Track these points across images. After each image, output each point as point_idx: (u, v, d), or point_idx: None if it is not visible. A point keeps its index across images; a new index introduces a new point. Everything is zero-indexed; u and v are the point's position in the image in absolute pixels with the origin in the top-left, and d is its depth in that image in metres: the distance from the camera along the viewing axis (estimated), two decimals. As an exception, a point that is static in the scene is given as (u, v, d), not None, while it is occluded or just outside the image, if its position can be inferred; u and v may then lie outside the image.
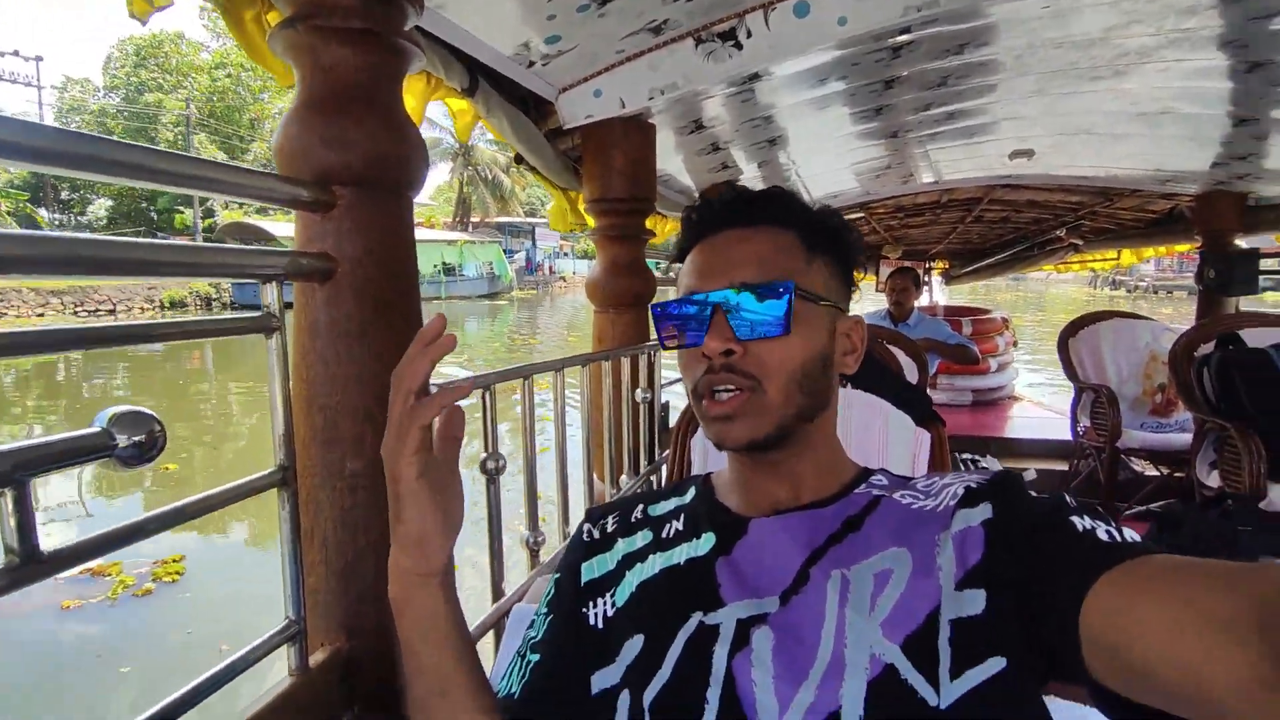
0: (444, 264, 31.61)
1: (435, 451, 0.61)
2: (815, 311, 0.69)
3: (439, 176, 43.56)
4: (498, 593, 1.25)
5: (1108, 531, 0.54)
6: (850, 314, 0.76)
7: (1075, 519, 0.56)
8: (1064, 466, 3.99)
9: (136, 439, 0.66)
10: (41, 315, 21.76)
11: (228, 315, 0.83)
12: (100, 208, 30.72)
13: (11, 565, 0.59)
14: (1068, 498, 0.60)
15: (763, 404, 0.67)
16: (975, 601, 0.56)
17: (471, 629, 1.12)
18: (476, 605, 0.81)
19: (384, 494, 0.98)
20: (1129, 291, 39.79)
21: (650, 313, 0.74)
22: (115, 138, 0.70)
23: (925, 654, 0.55)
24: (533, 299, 33.91)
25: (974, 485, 0.64)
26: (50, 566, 0.61)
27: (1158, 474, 3.59)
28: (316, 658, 0.95)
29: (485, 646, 1.13)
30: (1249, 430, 2.54)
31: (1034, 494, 0.62)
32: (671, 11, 1.71)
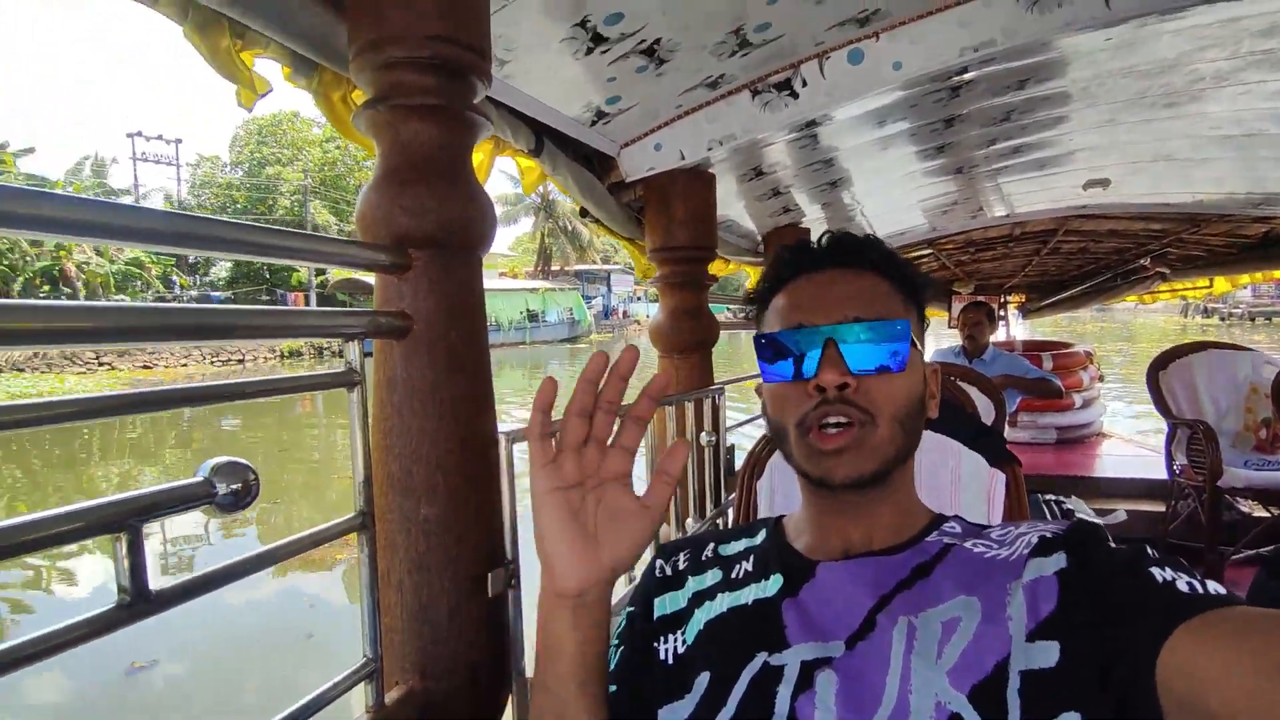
0: (529, 311, 33.91)
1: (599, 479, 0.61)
2: (916, 354, 0.71)
3: (521, 228, 46.16)
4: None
5: (1189, 583, 0.52)
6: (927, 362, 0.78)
7: (1156, 570, 0.54)
8: (1160, 507, 3.74)
9: (234, 487, 0.72)
10: (185, 365, 24.57)
11: (315, 372, 0.90)
12: (222, 269, 33.65)
13: (124, 603, 0.65)
14: (1149, 549, 0.58)
15: (873, 440, 0.67)
16: (1048, 654, 0.55)
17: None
18: None
19: (455, 539, 1.03)
20: (1222, 319, 38.10)
21: (754, 343, 0.75)
22: (221, 217, 0.79)
23: (993, 704, 0.54)
24: (609, 341, 36.12)
25: (1049, 535, 0.63)
26: (158, 605, 0.68)
27: (1267, 515, 3.32)
28: (392, 696, 0.99)
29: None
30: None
31: (1113, 544, 0.60)
32: (727, 67, 1.77)
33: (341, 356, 0.94)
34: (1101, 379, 6.08)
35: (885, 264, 0.74)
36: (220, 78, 1.17)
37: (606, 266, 44.42)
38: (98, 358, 23.48)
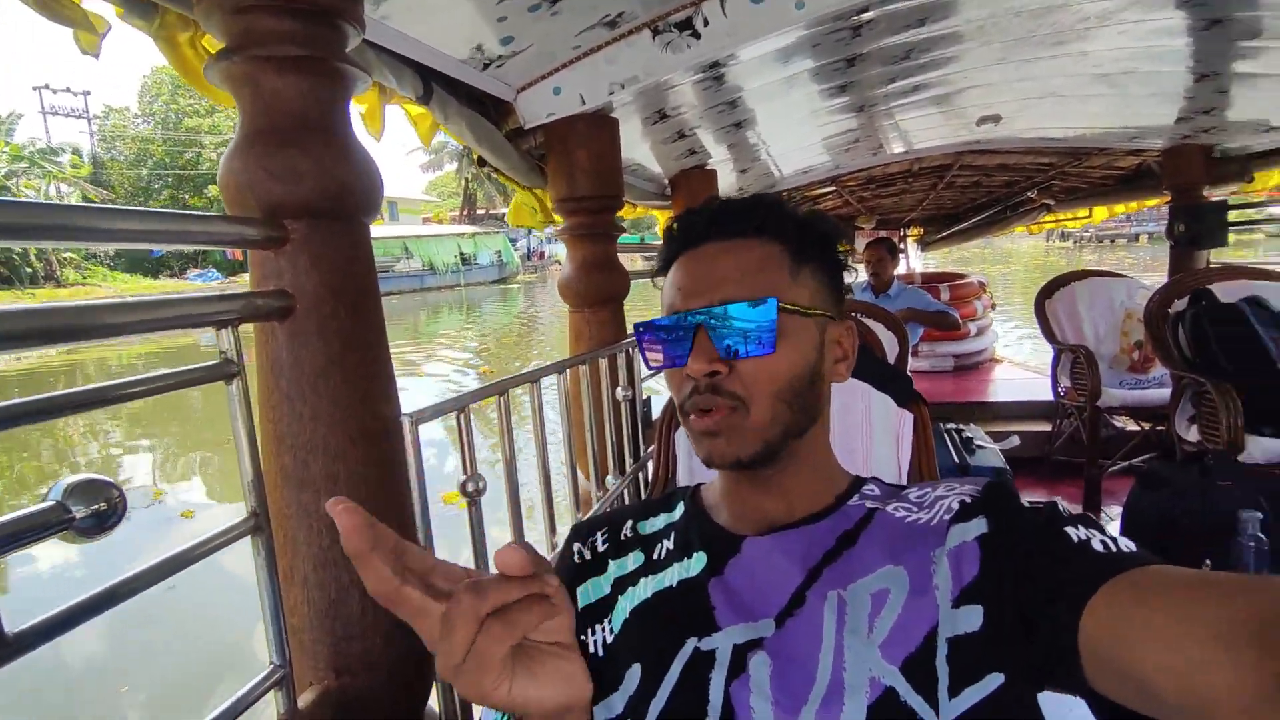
0: (461, 254, 35.43)
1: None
2: (802, 324, 0.68)
3: (442, 173, 47.08)
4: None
5: (1103, 541, 0.54)
6: (842, 320, 0.75)
7: (1070, 530, 0.56)
8: (1047, 427, 4.04)
9: (95, 507, 0.64)
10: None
11: (187, 367, 0.80)
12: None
13: (-29, 653, 0.57)
14: (1060, 507, 0.60)
15: (747, 423, 0.66)
16: (972, 618, 0.56)
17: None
18: None
19: (362, 530, 0.97)
20: (1075, 243, 41.93)
21: (634, 333, 0.72)
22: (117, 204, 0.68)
23: (924, 674, 0.55)
24: (535, 281, 38.12)
25: (968, 499, 0.64)
26: (15, 649, 0.60)
27: (1139, 430, 3.64)
28: (305, 698, 0.94)
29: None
30: (1224, 384, 2.57)
31: (1026, 503, 0.62)
32: (626, 4, 1.67)
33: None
34: (994, 307, 6.44)
35: (772, 226, 0.70)
36: (52, 22, 1.01)
37: None
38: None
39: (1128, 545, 0.54)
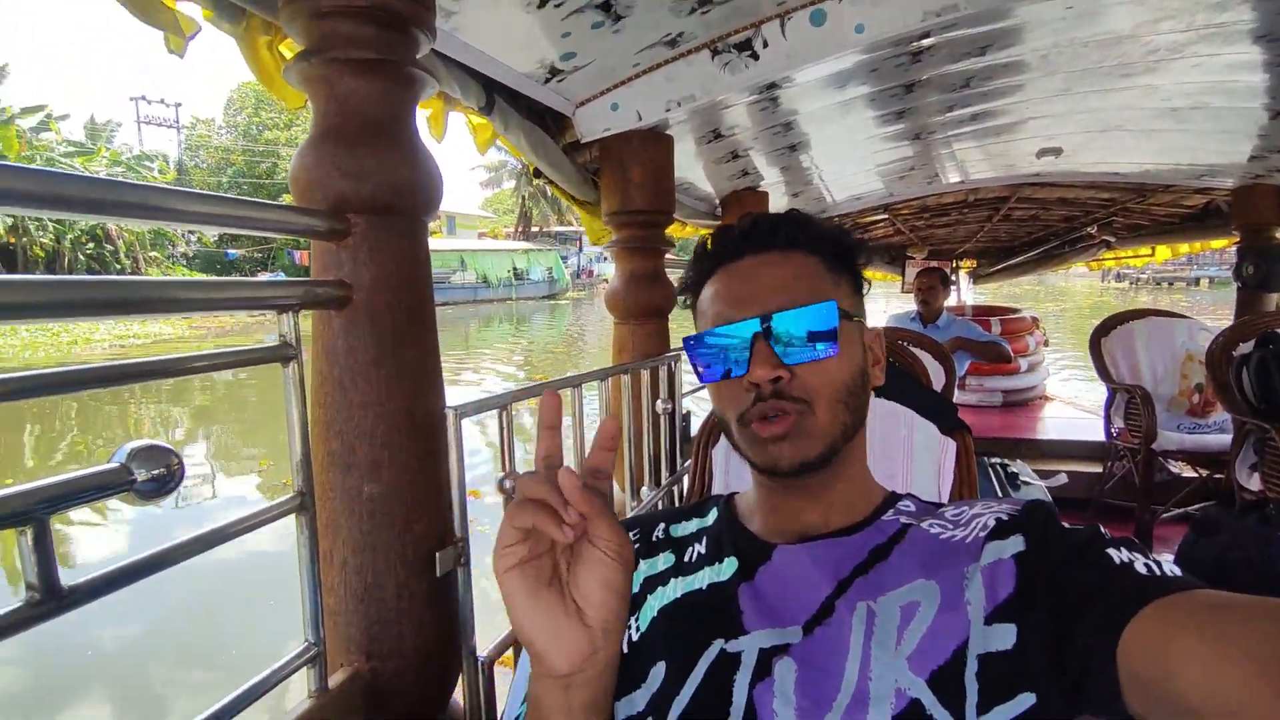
0: (515, 269, 37.21)
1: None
2: (851, 328, 0.69)
3: (500, 190, 49.83)
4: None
5: (1146, 565, 0.53)
6: (872, 328, 0.76)
7: (1112, 551, 0.55)
8: (1097, 469, 3.90)
9: (155, 472, 0.67)
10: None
11: (247, 346, 0.84)
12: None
13: (33, 600, 0.60)
14: (1102, 529, 0.59)
15: (813, 426, 0.66)
16: (1005, 636, 0.55)
17: (492, 648, 1.13)
18: (500, 622, 0.81)
19: (401, 518, 0.99)
20: (1131, 284, 41.41)
21: (683, 345, 0.73)
22: (170, 186, 0.72)
23: (952, 689, 0.54)
24: (583, 298, 39.82)
25: (1005, 517, 0.63)
26: (70, 601, 0.63)
27: (1196, 476, 3.49)
28: (336, 679, 0.96)
29: (504, 667, 1.14)
30: (1291, 434, 2.45)
31: (1067, 525, 0.61)
32: (687, 24, 1.70)
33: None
34: (1046, 343, 6.26)
35: (806, 239, 0.71)
36: (145, 25, 1.07)
37: (578, 229, 48.54)
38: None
39: (1173, 570, 0.52)
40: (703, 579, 0.70)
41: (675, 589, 0.71)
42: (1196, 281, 39.20)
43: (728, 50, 1.81)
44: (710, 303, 0.72)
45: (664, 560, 0.75)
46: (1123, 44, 2.07)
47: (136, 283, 0.71)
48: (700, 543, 0.75)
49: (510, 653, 1.20)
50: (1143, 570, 0.52)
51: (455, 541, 1.05)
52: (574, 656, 0.53)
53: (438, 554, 1.02)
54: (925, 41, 1.89)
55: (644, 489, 1.87)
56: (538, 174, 2.10)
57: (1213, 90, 2.47)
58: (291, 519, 0.90)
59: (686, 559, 0.74)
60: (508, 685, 0.81)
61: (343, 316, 0.97)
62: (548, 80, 1.81)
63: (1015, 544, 0.59)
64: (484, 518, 4.51)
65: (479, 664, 1.09)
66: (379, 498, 0.98)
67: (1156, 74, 2.32)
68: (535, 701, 0.57)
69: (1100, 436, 3.91)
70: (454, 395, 1.07)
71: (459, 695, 1.10)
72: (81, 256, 24.26)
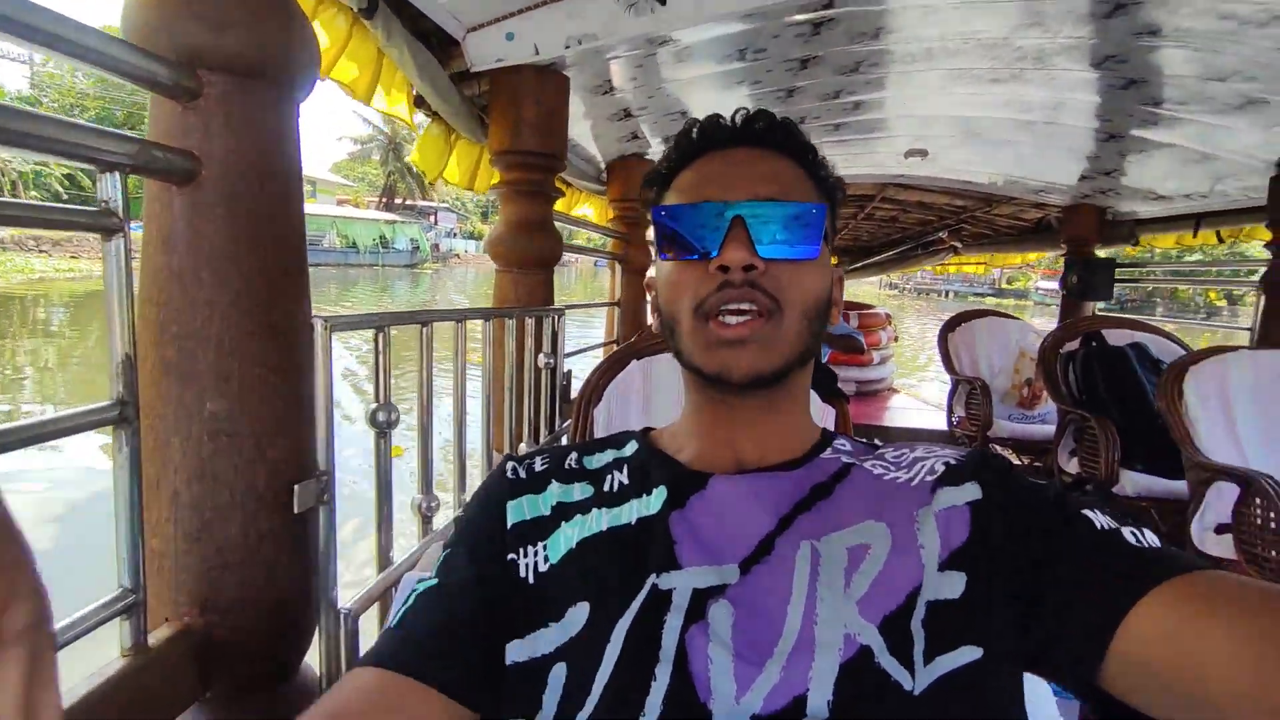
0: (382, 237, 40.13)
1: None
2: (826, 253, 0.64)
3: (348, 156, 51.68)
4: (385, 561, 1.10)
5: (1133, 533, 0.51)
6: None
7: (1089, 514, 0.53)
8: None
9: None
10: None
11: (59, 204, 0.66)
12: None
13: None
14: (1060, 486, 0.57)
15: (778, 332, 0.60)
16: (955, 584, 0.52)
17: (356, 600, 0.99)
18: (367, 571, 0.68)
19: (252, 441, 0.84)
20: (901, 292, 47.55)
21: (650, 217, 0.64)
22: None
23: (900, 635, 0.50)
24: (439, 269, 43.64)
25: (953, 462, 0.60)
26: None
27: (1021, 462, 3.86)
28: (159, 634, 0.80)
29: (370, 620, 1.00)
30: (1106, 419, 2.75)
31: (1027, 478, 0.59)
32: (596, -48, 1.61)
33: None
34: (896, 339, 6.73)
35: (802, 152, 0.66)
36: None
37: (432, 204, 50.90)
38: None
39: (1153, 539, 0.51)
40: (630, 512, 0.62)
41: (599, 520, 0.62)
42: (945, 294, 46.07)
43: (636, -10, 1.73)
44: (691, 181, 0.65)
45: (580, 490, 0.66)
46: (998, 47, 2.20)
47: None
48: (620, 471, 0.67)
49: (376, 607, 1.06)
50: (1132, 540, 0.51)
51: (318, 474, 0.90)
52: None
53: (296, 487, 0.86)
54: (828, 11, 1.90)
55: (522, 445, 1.76)
56: (419, 102, 1.92)
57: (1060, 107, 2.70)
58: (109, 438, 0.73)
59: (607, 489, 0.65)
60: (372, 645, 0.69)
61: (185, 195, 0.79)
62: (440, -6, 1.64)
63: (970, 491, 0.57)
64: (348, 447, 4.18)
65: (341, 618, 0.94)
66: (224, 416, 0.81)
67: (1020, 83, 2.49)
68: None
69: (942, 425, 4.23)
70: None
71: (314, 656, 0.95)
72: None
